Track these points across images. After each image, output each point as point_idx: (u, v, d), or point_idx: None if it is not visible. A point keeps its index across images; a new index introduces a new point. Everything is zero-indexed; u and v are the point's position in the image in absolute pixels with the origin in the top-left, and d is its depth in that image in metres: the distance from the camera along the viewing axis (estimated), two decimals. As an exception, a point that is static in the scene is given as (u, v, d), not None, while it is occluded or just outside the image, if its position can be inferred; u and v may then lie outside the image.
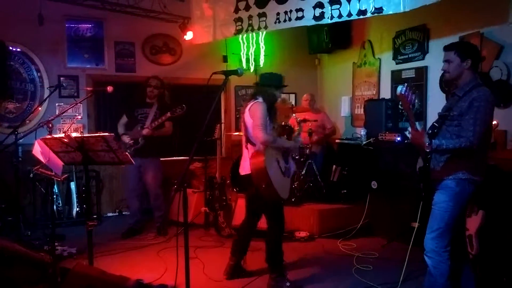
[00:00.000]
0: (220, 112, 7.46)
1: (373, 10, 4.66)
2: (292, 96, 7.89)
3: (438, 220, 3.11)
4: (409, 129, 3.10)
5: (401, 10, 4.46)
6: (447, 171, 3.09)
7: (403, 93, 2.95)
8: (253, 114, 3.72)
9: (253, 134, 3.72)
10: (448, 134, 3.10)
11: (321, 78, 8.06)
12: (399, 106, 5.80)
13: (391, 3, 4.51)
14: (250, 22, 5.75)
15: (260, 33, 6.92)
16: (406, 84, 3.02)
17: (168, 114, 5.12)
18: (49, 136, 3.66)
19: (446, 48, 3.20)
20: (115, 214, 6.68)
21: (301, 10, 5.28)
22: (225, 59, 7.27)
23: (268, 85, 3.92)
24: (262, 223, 4.13)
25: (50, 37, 6.25)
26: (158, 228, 5.50)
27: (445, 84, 5.10)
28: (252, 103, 3.83)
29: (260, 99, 3.83)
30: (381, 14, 4.64)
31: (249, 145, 3.85)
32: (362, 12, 4.78)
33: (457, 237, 3.21)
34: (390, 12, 4.58)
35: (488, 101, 2.99)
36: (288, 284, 3.86)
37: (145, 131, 5.21)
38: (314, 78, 8.07)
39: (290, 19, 5.41)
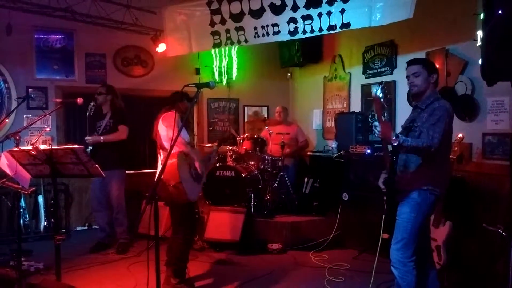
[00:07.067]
0: (193, 125, 7.44)
1: (341, 25, 4.86)
2: (265, 109, 7.96)
3: (402, 231, 3.18)
4: (376, 123, 3.12)
5: (367, 25, 4.69)
6: (410, 182, 3.17)
7: (378, 94, 3.02)
8: (169, 124, 3.87)
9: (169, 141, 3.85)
10: None
11: (293, 91, 8.16)
12: (369, 118, 5.92)
13: (359, 19, 4.73)
14: (229, 35, 5.77)
15: (233, 46, 6.95)
16: (380, 85, 3.07)
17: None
18: (16, 149, 3.60)
19: (412, 62, 3.30)
20: (84, 228, 6.54)
21: (276, 25, 5.36)
22: (197, 71, 7.29)
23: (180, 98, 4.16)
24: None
25: (18, 48, 6.14)
26: (119, 245, 5.34)
27: (413, 98, 5.23)
28: (166, 113, 4.04)
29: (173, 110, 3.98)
30: (348, 29, 4.87)
31: (161, 151, 3.98)
32: (331, 27, 4.97)
33: (422, 247, 3.28)
34: (357, 27, 4.80)
35: (447, 111, 3.11)
36: None
37: (88, 140, 5.11)
38: (286, 91, 8.16)
39: (268, 34, 5.48)
